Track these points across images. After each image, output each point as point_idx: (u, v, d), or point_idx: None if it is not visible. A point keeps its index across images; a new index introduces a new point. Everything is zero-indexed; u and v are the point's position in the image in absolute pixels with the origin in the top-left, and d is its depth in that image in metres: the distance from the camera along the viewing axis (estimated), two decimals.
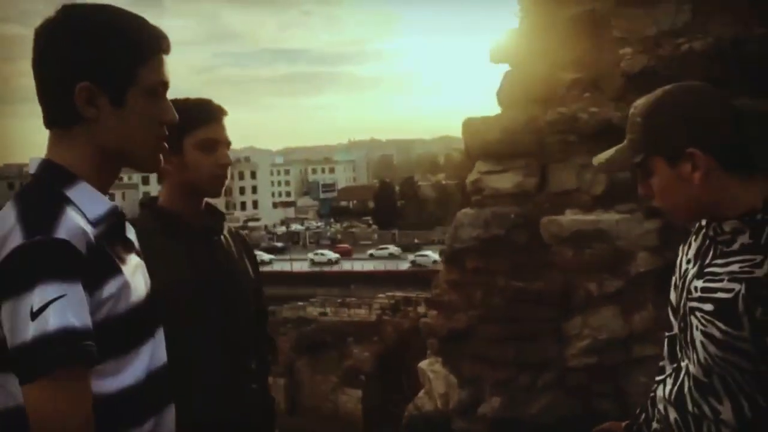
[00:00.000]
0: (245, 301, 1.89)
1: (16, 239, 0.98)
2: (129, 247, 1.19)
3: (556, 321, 2.61)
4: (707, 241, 1.38)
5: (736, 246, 1.30)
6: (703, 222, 1.42)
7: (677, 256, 1.50)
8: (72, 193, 1.09)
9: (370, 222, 65.58)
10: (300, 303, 23.77)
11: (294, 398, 18.42)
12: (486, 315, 2.72)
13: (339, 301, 23.09)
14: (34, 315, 0.94)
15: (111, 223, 1.13)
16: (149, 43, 1.16)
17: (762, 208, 1.27)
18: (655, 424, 1.48)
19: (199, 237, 1.81)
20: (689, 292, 1.37)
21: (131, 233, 1.23)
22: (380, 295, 22.08)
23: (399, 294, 21.64)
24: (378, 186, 69.84)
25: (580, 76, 2.71)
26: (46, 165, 1.12)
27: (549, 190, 2.69)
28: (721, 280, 1.28)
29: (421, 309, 15.48)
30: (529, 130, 2.70)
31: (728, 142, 1.31)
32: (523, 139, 2.70)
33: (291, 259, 50.51)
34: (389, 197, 63.60)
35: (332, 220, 78.28)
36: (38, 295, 0.95)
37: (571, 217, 2.57)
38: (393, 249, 52.06)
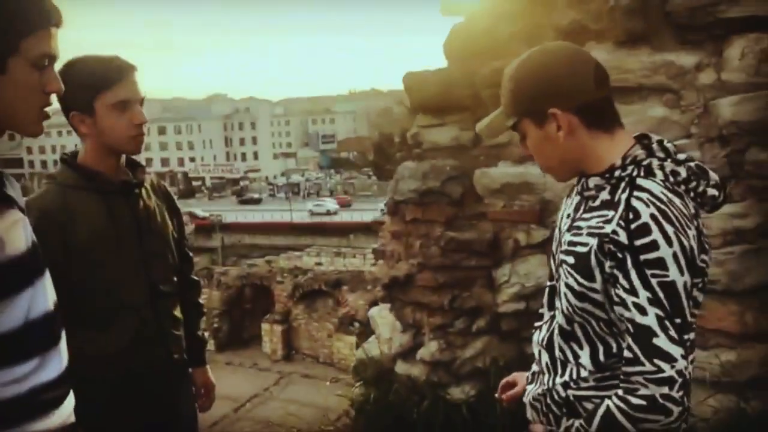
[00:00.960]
0: (165, 251, 1.99)
1: None
2: (8, 203, 1.27)
3: (488, 269, 2.72)
4: (578, 197, 1.46)
5: (598, 202, 1.38)
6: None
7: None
8: None
9: (370, 173, 65.40)
10: (296, 253, 24.06)
11: (291, 344, 18.87)
12: (424, 264, 2.83)
13: (335, 251, 23.33)
14: None
15: None
16: (37, 16, 1.21)
17: (620, 165, 1.34)
18: (534, 366, 1.59)
19: (118, 191, 1.89)
20: (561, 244, 1.46)
21: (13, 190, 1.31)
22: (374, 246, 22.31)
23: None
24: (377, 137, 69.31)
25: (516, 30, 2.73)
26: None
27: (484, 144, 2.76)
28: (581, 234, 1.37)
29: None
30: (466, 85, 2.74)
31: (589, 100, 1.36)
32: (460, 93, 2.75)
33: (291, 210, 50.69)
34: (388, 148, 63.17)
35: (332, 171, 78.07)
36: None
37: (501, 170, 2.64)
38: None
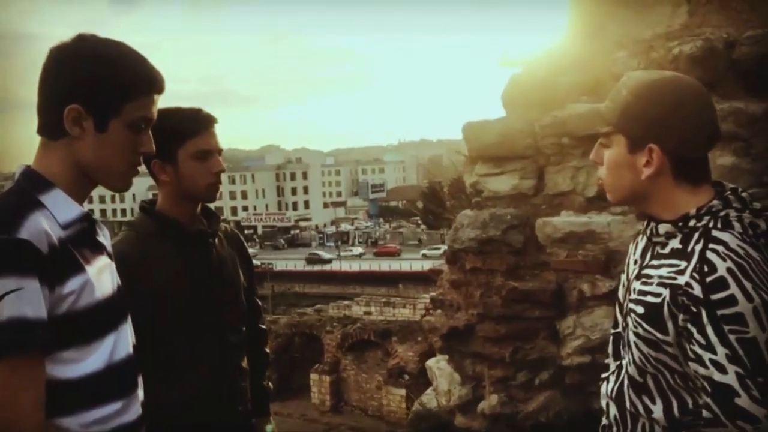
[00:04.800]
0: (235, 301, 2.02)
1: None
2: (98, 248, 1.34)
3: (551, 320, 2.66)
4: (646, 242, 1.43)
5: (667, 250, 1.35)
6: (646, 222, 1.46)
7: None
8: (46, 198, 1.25)
9: (419, 222, 65.44)
10: (346, 302, 24.07)
11: (339, 396, 18.70)
12: (484, 314, 2.79)
13: (384, 300, 23.24)
14: None
15: (81, 227, 1.29)
16: (141, 83, 1.32)
17: (694, 215, 1.31)
18: (604, 420, 1.53)
19: (193, 240, 1.95)
20: (630, 292, 1.43)
21: (104, 237, 1.38)
22: (425, 295, 22.14)
23: None
24: (426, 186, 69.69)
25: (577, 80, 2.74)
26: (26, 172, 1.29)
27: (545, 192, 2.74)
28: (652, 284, 1.33)
29: None
30: (526, 134, 2.75)
31: (689, 156, 1.33)
32: (520, 142, 2.75)
33: (340, 258, 50.96)
34: (438, 197, 63.28)
35: (381, 219, 78.53)
36: None
37: (564, 219, 2.61)
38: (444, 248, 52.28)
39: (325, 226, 78.61)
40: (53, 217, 1.24)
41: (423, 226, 62.17)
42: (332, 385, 18.64)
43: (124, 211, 76.54)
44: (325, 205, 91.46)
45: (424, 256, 50.46)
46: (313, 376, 18.76)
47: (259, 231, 75.51)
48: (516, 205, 2.78)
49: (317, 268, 50.06)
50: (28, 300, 1.12)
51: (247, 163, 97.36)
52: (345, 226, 74.57)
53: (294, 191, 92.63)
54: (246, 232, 71.44)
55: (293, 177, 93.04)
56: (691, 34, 2.50)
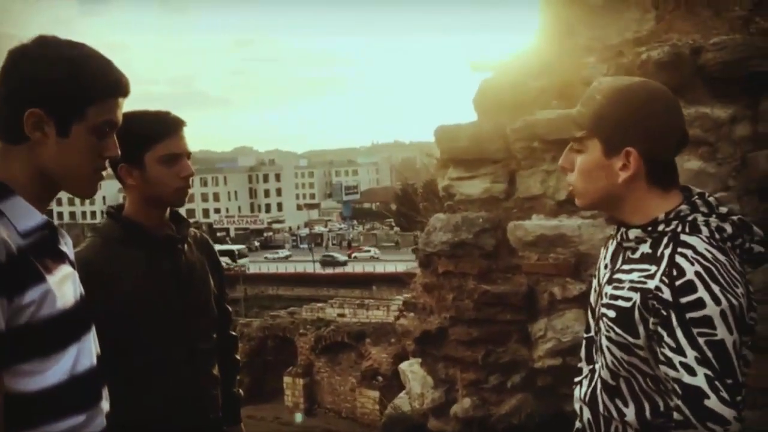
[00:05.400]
0: (205, 307, 1.99)
1: None
2: (60, 258, 1.30)
3: (522, 323, 2.67)
4: (617, 246, 1.44)
5: (637, 254, 1.36)
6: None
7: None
8: (5, 205, 1.21)
9: (392, 224, 65.55)
10: (319, 304, 23.96)
11: (313, 398, 18.60)
12: (457, 317, 2.79)
13: (357, 302, 23.21)
14: None
15: (41, 235, 1.25)
16: (105, 86, 1.28)
17: (663, 220, 1.33)
18: (577, 423, 1.54)
19: (161, 246, 1.91)
20: (601, 296, 1.44)
21: (66, 246, 1.34)
22: (398, 297, 22.16)
23: None
24: (400, 188, 69.91)
25: (547, 84, 2.76)
26: None
27: (516, 196, 2.75)
28: (623, 288, 1.34)
29: None
30: (497, 137, 2.76)
31: (662, 159, 1.35)
32: (491, 145, 2.77)
33: (313, 261, 50.78)
34: (411, 199, 63.50)
35: (355, 222, 78.47)
36: None
37: (535, 222, 2.63)
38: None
39: (298, 228, 78.24)
40: (12, 225, 1.20)
41: (396, 228, 62.27)
42: (306, 387, 18.54)
43: (94, 214, 75.15)
44: (299, 207, 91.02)
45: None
46: (287, 379, 18.64)
47: (232, 233, 74.81)
48: (488, 208, 2.79)
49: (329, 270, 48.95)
50: None
51: (220, 164, 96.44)
52: (319, 229, 74.31)
53: (267, 193, 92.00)
54: (218, 234, 70.83)
55: (266, 179, 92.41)
56: (658, 40, 2.54)
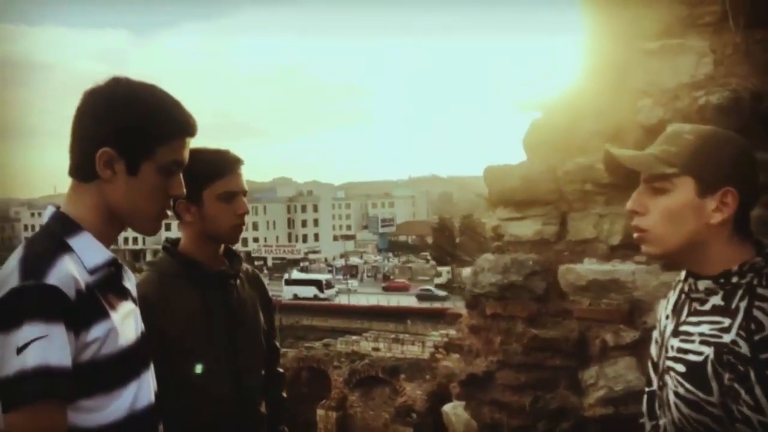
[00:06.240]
0: (255, 343, 2.00)
1: (13, 281, 1.14)
2: (124, 294, 1.32)
3: (573, 370, 2.60)
4: (682, 297, 1.40)
5: (708, 306, 1.31)
6: (681, 276, 1.43)
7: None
8: (74, 242, 1.24)
9: (428, 258, 65.26)
10: (354, 337, 23.86)
11: None
12: (504, 361, 2.73)
13: (392, 337, 23.04)
14: (19, 351, 1.09)
15: (108, 272, 1.27)
16: (173, 127, 1.32)
17: (737, 272, 1.29)
18: None
19: (215, 281, 1.93)
20: (666, 350, 1.39)
21: (129, 281, 1.37)
22: (434, 332, 21.93)
23: (453, 332, 21.42)
24: (437, 221, 69.69)
25: (599, 127, 2.73)
26: (56, 215, 1.29)
27: (568, 239, 2.71)
28: (693, 342, 1.30)
29: None
30: (548, 179, 2.73)
31: (753, 204, 1.31)
32: (542, 187, 2.74)
33: (349, 292, 50.71)
34: (448, 233, 63.30)
35: (390, 254, 78.39)
36: (23, 334, 1.10)
37: (587, 267, 2.57)
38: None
39: (334, 259, 78.54)
40: (81, 261, 1.23)
41: (432, 262, 61.96)
42: (338, 421, 18.37)
43: (135, 240, 76.90)
44: (335, 238, 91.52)
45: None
46: (320, 412, 18.51)
47: (269, 263, 75.50)
48: (538, 250, 2.75)
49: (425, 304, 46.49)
50: (53, 348, 1.11)
51: (259, 194, 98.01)
52: (354, 260, 74.45)
53: (304, 224, 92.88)
54: (256, 263, 71.48)
55: (304, 209, 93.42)
56: (716, 84, 2.50)
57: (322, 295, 47.95)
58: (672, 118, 2.48)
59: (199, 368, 1.84)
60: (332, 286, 51.93)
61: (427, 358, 19.03)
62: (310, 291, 50.00)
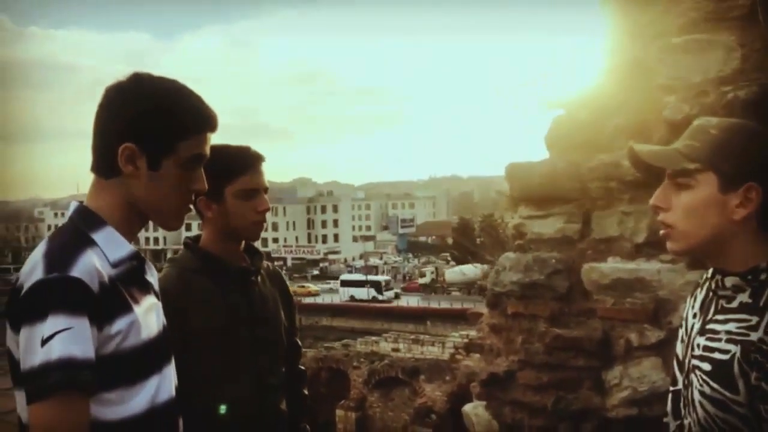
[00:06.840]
0: (276, 340, 1.99)
1: (38, 274, 1.14)
2: (146, 288, 1.33)
3: (596, 370, 2.56)
4: (710, 294, 1.37)
5: (735, 303, 1.28)
6: (708, 273, 1.40)
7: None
8: (97, 236, 1.25)
9: (448, 258, 65.06)
10: (373, 338, 23.86)
11: None
12: (526, 361, 2.70)
13: (412, 338, 23.00)
14: (43, 342, 1.09)
15: (130, 266, 1.28)
16: (195, 122, 1.32)
17: (765, 268, 1.25)
18: None
19: (235, 277, 1.93)
20: (692, 348, 1.36)
21: (152, 276, 1.37)
22: (453, 333, 21.83)
23: (473, 333, 21.31)
24: (457, 222, 69.46)
25: (623, 123, 2.69)
26: (80, 209, 1.29)
27: (591, 237, 2.67)
28: (720, 340, 1.27)
29: None
30: (571, 176, 2.70)
31: None
32: (565, 185, 2.70)
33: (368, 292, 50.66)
34: (468, 233, 63.05)
35: (410, 255, 78.29)
36: (48, 326, 1.10)
37: (612, 265, 2.53)
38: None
39: (353, 259, 78.69)
40: (104, 255, 1.23)
41: (452, 262, 61.77)
42: (358, 422, 18.37)
43: (156, 240, 77.76)
44: (355, 239, 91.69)
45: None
46: (339, 413, 18.53)
47: (289, 263, 75.87)
48: (560, 249, 2.72)
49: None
50: (77, 339, 1.11)
51: (279, 195, 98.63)
52: (374, 261, 74.51)
53: (324, 224, 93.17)
54: (276, 263, 71.82)
55: (324, 210, 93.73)
56: (744, 80, 2.44)
57: (381, 297, 46.40)
58: (698, 113, 2.42)
59: (219, 366, 1.84)
60: (391, 288, 49.63)
61: (447, 359, 18.96)
62: (368, 293, 48.46)
